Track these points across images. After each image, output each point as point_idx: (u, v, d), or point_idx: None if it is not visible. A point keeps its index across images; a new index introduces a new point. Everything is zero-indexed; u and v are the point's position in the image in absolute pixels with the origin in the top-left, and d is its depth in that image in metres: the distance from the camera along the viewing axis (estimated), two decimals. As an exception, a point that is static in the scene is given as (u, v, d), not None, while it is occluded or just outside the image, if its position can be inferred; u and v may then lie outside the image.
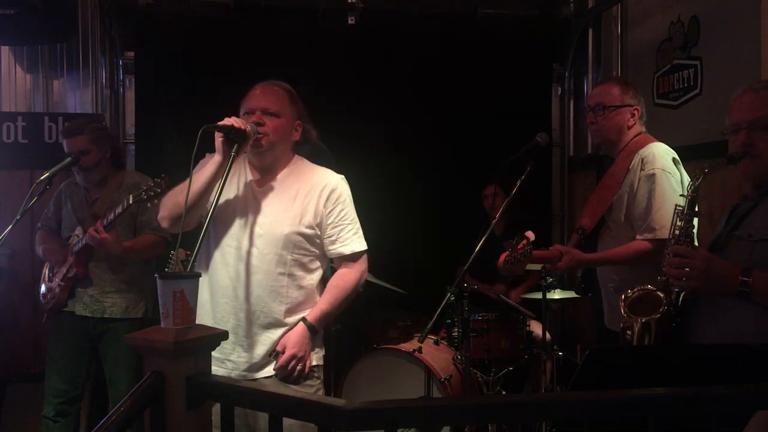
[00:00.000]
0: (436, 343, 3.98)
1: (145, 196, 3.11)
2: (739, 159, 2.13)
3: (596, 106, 2.97)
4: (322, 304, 2.54)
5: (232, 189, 2.57)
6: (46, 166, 3.40)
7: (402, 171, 4.96)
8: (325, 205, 2.54)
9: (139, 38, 4.90)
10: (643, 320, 2.14)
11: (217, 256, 2.52)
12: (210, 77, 4.70)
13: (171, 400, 1.59)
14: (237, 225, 2.51)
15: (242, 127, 2.39)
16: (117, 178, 3.55)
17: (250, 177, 2.60)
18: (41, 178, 3.32)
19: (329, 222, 2.54)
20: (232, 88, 2.68)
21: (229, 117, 2.42)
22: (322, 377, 2.60)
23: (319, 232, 2.54)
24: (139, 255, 3.48)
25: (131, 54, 4.90)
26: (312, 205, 2.53)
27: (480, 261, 3.05)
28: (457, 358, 3.85)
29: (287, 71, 2.76)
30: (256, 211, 2.52)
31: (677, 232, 2.22)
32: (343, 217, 2.56)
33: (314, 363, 2.55)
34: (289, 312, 2.51)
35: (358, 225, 2.62)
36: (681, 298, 2.19)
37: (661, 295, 2.16)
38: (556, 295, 4.06)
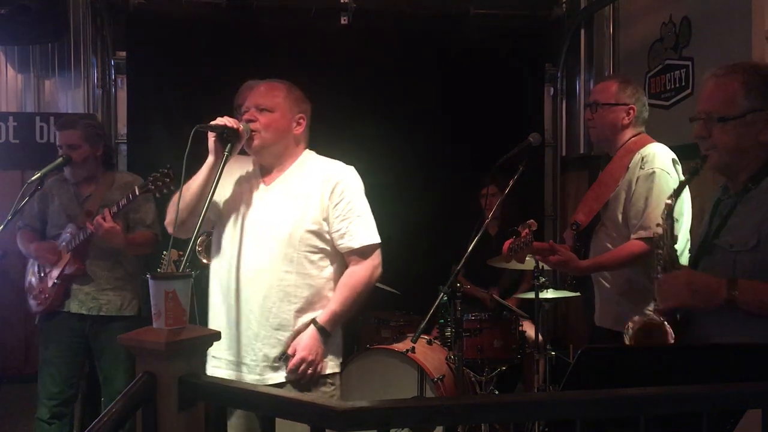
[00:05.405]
0: (429, 343, 3.98)
1: (153, 187, 3.08)
2: (701, 167, 2.10)
3: (593, 104, 2.99)
4: (332, 305, 2.46)
5: (240, 190, 2.53)
6: (38, 167, 3.40)
7: (393, 171, 4.94)
8: (330, 198, 2.45)
9: (130, 38, 4.88)
10: None
11: (226, 258, 2.48)
12: (202, 77, 4.69)
13: (163, 401, 1.58)
14: (244, 226, 2.47)
15: (235, 126, 2.38)
16: (108, 177, 3.55)
17: (258, 177, 2.55)
18: (32, 178, 3.31)
19: (336, 215, 2.46)
20: (225, 88, 2.69)
21: (222, 116, 2.40)
22: (338, 385, 2.52)
23: (326, 227, 2.46)
24: (135, 251, 3.49)
25: (123, 54, 4.88)
26: (316, 199, 2.45)
27: (474, 264, 3.05)
28: (450, 357, 3.85)
29: (279, 71, 2.75)
30: (262, 210, 2.47)
31: (662, 232, 2.17)
32: (350, 209, 2.46)
33: (329, 371, 2.47)
34: (300, 312, 2.44)
35: (369, 218, 2.52)
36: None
37: (662, 321, 2.07)
38: (549, 294, 4.06)
